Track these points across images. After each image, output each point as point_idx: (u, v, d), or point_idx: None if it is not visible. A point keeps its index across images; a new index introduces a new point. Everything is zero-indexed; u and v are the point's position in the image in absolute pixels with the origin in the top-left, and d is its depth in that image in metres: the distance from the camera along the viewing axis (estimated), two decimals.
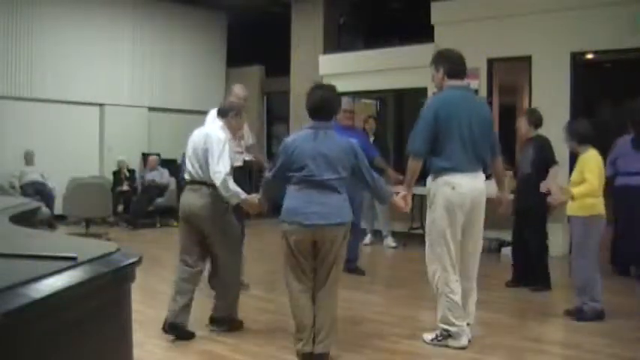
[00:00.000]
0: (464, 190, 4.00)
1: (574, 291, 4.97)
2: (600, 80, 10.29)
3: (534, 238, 5.88)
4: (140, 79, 11.92)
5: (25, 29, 10.42)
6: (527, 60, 8.41)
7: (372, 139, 8.27)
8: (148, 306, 4.93)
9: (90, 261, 1.66)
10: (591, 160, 4.71)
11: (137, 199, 10.70)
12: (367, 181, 3.89)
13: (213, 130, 4.35)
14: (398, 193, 4.21)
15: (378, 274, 6.51)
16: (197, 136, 4.39)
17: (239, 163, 5.60)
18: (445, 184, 4.01)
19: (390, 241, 8.54)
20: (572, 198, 4.65)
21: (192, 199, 4.30)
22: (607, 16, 7.77)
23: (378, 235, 8.77)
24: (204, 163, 4.24)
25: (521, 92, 9.02)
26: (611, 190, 6.66)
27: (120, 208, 10.68)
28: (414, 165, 4.13)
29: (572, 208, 4.79)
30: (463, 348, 4.04)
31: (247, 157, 5.81)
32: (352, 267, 6.44)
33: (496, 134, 4.34)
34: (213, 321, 4.47)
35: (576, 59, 8.18)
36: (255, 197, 4.24)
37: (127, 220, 10.54)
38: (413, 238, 8.78)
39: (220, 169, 4.13)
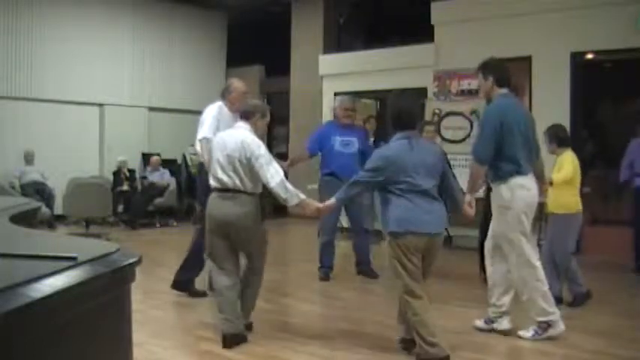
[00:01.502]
0: (534, 192, 4.27)
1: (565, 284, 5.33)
2: (600, 80, 10.29)
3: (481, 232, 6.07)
4: (140, 79, 11.92)
5: (25, 29, 10.43)
6: (527, 60, 8.41)
7: (372, 139, 8.27)
8: (148, 306, 4.92)
9: (90, 261, 1.66)
10: (567, 157, 5.18)
11: (137, 199, 10.69)
12: (452, 187, 3.99)
13: (247, 136, 4.15)
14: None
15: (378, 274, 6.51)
16: (230, 143, 4.15)
17: None
18: (519, 186, 4.18)
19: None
20: (551, 184, 4.98)
21: (227, 208, 4.12)
22: (607, 16, 7.78)
23: (378, 235, 8.75)
24: (247, 171, 4.09)
25: (521, 92, 9.02)
26: (634, 193, 6.77)
27: (120, 208, 10.68)
28: (477, 172, 4.30)
29: (552, 206, 5.20)
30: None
31: None
32: (365, 269, 6.46)
33: (537, 136, 4.53)
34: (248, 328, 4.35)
35: (576, 59, 8.18)
36: (312, 201, 4.19)
37: (126, 221, 10.54)
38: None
39: (273, 172, 4.01)
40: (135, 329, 1.92)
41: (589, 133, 9.40)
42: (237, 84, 5.57)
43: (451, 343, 4.01)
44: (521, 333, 4.32)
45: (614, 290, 6.07)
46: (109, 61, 11.41)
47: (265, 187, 4.13)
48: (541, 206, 5.41)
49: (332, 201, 4.06)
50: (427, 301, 3.77)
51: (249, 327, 4.32)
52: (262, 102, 4.95)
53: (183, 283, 5.40)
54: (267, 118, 4.43)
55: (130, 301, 1.85)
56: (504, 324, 4.39)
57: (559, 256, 5.19)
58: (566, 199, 5.14)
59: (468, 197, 4.27)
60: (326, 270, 6.35)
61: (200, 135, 5.20)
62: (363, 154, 6.40)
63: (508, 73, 4.37)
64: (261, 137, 4.27)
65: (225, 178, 4.14)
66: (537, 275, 4.22)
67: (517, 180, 4.18)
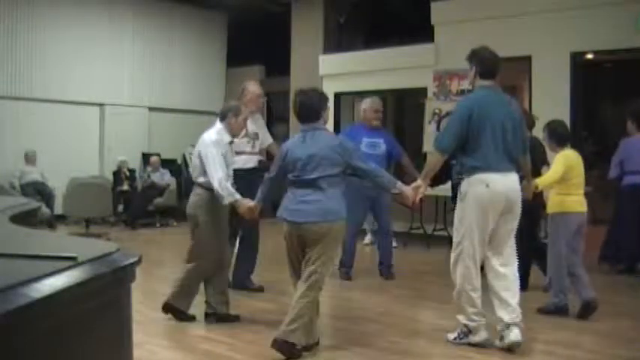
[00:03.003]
0: (498, 189, 3.96)
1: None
2: (600, 80, 10.29)
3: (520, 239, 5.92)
4: (140, 79, 11.91)
5: (25, 29, 10.43)
6: (527, 60, 8.41)
7: None
8: (148, 306, 4.92)
9: (90, 261, 1.66)
10: (560, 157, 4.87)
11: (137, 199, 10.70)
12: (369, 171, 4.00)
13: (207, 133, 4.62)
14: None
15: (378, 273, 6.51)
16: (201, 140, 4.64)
17: (252, 165, 5.54)
18: (479, 182, 3.97)
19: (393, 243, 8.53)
20: (536, 187, 4.71)
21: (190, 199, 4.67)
22: (607, 16, 7.78)
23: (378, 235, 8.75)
24: (200, 165, 4.54)
25: (522, 92, 9.02)
26: (618, 190, 6.77)
27: (120, 208, 10.68)
28: (435, 160, 4.16)
29: (549, 206, 5.01)
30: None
31: (262, 158, 5.74)
32: (383, 269, 6.50)
33: (525, 133, 4.34)
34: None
35: (576, 59, 8.18)
36: (248, 200, 4.36)
37: (126, 221, 10.55)
38: (413, 237, 8.79)
39: (218, 172, 4.41)
40: (135, 329, 1.92)
41: (589, 133, 9.41)
42: (251, 87, 5.63)
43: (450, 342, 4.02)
44: (449, 335, 4.20)
45: (614, 290, 6.07)
46: (109, 61, 11.41)
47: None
48: (540, 206, 5.39)
49: (254, 202, 4.29)
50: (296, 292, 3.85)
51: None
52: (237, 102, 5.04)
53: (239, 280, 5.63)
54: (241, 117, 4.68)
55: (130, 301, 1.85)
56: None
57: (550, 258, 4.97)
58: (560, 199, 4.88)
59: (418, 182, 4.19)
60: (347, 270, 6.40)
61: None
62: (390, 155, 6.41)
63: (492, 65, 4.21)
64: (236, 135, 4.72)
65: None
66: (469, 276, 4.04)
67: (480, 176, 3.97)
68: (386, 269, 6.49)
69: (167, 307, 4.61)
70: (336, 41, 11.45)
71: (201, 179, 4.55)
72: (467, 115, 4.00)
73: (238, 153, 5.24)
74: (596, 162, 9.36)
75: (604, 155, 9.47)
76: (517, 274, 4.12)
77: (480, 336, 4.08)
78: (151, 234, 9.96)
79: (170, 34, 12.35)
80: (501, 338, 4.00)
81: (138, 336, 2.07)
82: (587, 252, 7.47)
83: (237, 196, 4.41)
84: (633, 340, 4.40)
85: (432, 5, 9.44)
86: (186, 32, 12.58)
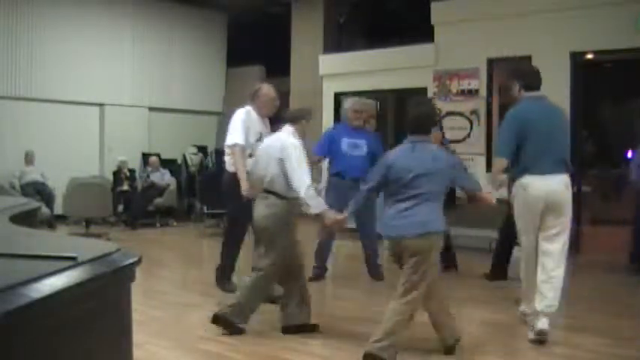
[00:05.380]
0: (535, 192, 4.25)
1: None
2: (600, 80, 10.30)
3: (499, 233, 6.33)
4: (140, 79, 11.91)
5: (25, 29, 10.43)
6: (527, 60, 8.41)
7: None
8: (148, 306, 4.93)
9: (90, 261, 1.66)
10: None
11: (137, 199, 10.70)
12: (462, 178, 4.11)
13: (282, 137, 4.31)
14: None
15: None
16: (272, 145, 4.36)
17: None
18: (520, 186, 4.34)
19: None
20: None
21: (258, 209, 4.33)
22: (607, 16, 7.77)
23: (377, 236, 8.74)
24: (279, 173, 4.21)
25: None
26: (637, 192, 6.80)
27: (120, 208, 10.68)
28: (498, 165, 4.47)
29: None
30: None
31: None
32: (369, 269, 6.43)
33: (568, 140, 4.59)
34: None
35: (576, 59, 8.18)
36: (334, 212, 4.21)
37: (126, 221, 10.55)
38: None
39: (306, 178, 4.14)
40: (135, 329, 1.92)
41: (589, 133, 9.41)
42: (266, 90, 5.38)
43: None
44: (539, 324, 4.22)
45: (614, 290, 6.07)
46: (109, 61, 11.41)
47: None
48: None
49: (344, 214, 4.13)
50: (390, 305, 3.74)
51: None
52: (308, 106, 4.94)
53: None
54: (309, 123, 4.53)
55: (130, 301, 1.85)
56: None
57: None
58: None
59: (489, 188, 4.53)
60: (318, 270, 6.27)
61: (230, 140, 5.09)
62: (374, 157, 6.36)
63: (535, 77, 4.55)
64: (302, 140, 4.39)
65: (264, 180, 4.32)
66: (528, 261, 4.39)
67: (520, 180, 4.31)
68: (374, 270, 6.41)
69: (221, 321, 4.29)
70: (336, 41, 11.45)
71: (277, 187, 4.23)
72: (514, 124, 4.38)
73: (252, 156, 5.10)
74: (596, 162, 9.38)
75: (604, 155, 9.50)
76: (561, 271, 4.28)
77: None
78: (151, 234, 9.95)
79: (170, 34, 12.35)
80: (532, 328, 4.21)
81: (138, 336, 2.07)
82: (588, 252, 7.50)
83: (325, 206, 4.19)
84: (633, 339, 4.41)
85: (432, 5, 9.44)
86: (186, 32, 12.57)
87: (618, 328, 4.65)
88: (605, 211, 8.71)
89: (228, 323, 4.27)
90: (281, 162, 4.19)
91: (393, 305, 3.69)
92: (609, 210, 8.68)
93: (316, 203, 4.16)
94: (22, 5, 10.38)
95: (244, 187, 4.95)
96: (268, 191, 4.29)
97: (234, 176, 5.12)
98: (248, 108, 5.27)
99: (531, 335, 4.21)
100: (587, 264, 7.15)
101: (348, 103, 6.61)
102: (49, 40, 10.63)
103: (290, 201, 4.24)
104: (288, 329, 4.35)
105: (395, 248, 3.78)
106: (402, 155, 3.79)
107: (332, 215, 4.17)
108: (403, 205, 3.71)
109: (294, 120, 4.43)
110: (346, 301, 5.62)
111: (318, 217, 4.20)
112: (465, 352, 4.01)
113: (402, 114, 11.56)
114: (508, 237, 5.87)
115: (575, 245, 5.79)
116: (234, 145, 5.10)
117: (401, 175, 3.71)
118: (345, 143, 6.22)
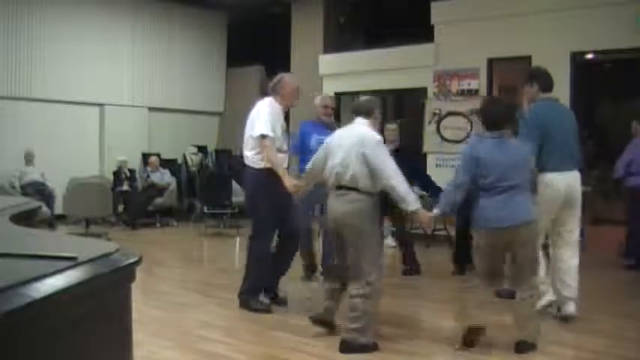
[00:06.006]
0: (556, 187, 4.59)
1: None
2: (600, 80, 10.30)
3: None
4: (140, 79, 11.91)
5: (25, 29, 10.42)
6: (527, 60, 8.41)
7: None
8: (148, 306, 4.93)
9: (90, 261, 1.66)
10: None
11: (137, 199, 10.69)
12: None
13: (362, 132, 4.06)
14: None
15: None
16: (348, 139, 4.09)
17: (286, 164, 5.14)
18: (542, 182, 4.62)
19: (389, 241, 8.50)
20: None
21: (337, 206, 4.07)
22: (607, 16, 7.78)
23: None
24: (363, 168, 3.95)
25: (521, 92, 9.02)
26: (624, 191, 6.82)
27: (120, 208, 10.68)
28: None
29: None
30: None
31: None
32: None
33: (578, 138, 4.89)
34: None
35: (576, 59, 8.19)
36: (424, 211, 4.14)
37: (126, 221, 10.54)
38: (412, 237, 8.75)
39: (399, 174, 3.97)
40: (135, 329, 1.92)
41: (589, 133, 9.41)
42: (289, 79, 5.19)
43: (451, 343, 4.01)
44: (570, 309, 4.63)
45: (615, 290, 6.07)
46: (109, 61, 11.40)
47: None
48: None
49: (435, 212, 4.18)
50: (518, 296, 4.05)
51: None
52: (374, 97, 4.64)
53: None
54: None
55: (130, 301, 1.85)
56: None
57: None
58: None
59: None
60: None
61: (258, 131, 4.73)
62: None
63: (551, 80, 4.84)
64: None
65: (340, 176, 4.04)
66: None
67: (542, 176, 4.59)
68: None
69: (348, 348, 3.99)
70: (336, 41, 11.45)
71: (361, 183, 3.96)
72: (538, 123, 4.63)
73: (279, 151, 4.91)
74: (595, 162, 9.37)
75: (604, 155, 9.48)
76: (577, 261, 4.69)
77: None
78: (151, 234, 9.95)
79: (170, 34, 12.35)
80: (559, 309, 4.68)
81: (138, 336, 2.06)
82: (588, 252, 7.50)
83: (418, 204, 4.02)
84: (635, 340, 4.40)
85: (432, 5, 9.44)
86: (186, 32, 12.57)
87: (620, 329, 4.64)
88: (606, 211, 8.71)
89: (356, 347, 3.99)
90: (363, 157, 3.94)
91: (520, 295, 4.00)
92: (610, 210, 8.68)
93: (413, 200, 4.00)
94: (22, 5, 10.38)
95: (289, 182, 4.68)
96: (348, 187, 4.03)
97: (266, 173, 4.76)
98: (270, 99, 5.04)
99: (556, 314, 4.70)
100: (590, 263, 7.14)
101: (317, 99, 6.47)
102: (49, 40, 10.62)
103: (374, 196, 4.04)
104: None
105: (502, 239, 3.95)
106: (489, 150, 3.99)
107: (426, 213, 4.15)
108: (501, 197, 3.92)
109: (368, 112, 4.19)
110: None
111: (413, 214, 4.05)
112: (465, 351, 4.01)
113: (402, 114, 11.60)
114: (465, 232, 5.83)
115: (580, 244, 5.78)
116: (265, 137, 4.72)
117: (494, 168, 3.93)
118: (314, 140, 5.96)
